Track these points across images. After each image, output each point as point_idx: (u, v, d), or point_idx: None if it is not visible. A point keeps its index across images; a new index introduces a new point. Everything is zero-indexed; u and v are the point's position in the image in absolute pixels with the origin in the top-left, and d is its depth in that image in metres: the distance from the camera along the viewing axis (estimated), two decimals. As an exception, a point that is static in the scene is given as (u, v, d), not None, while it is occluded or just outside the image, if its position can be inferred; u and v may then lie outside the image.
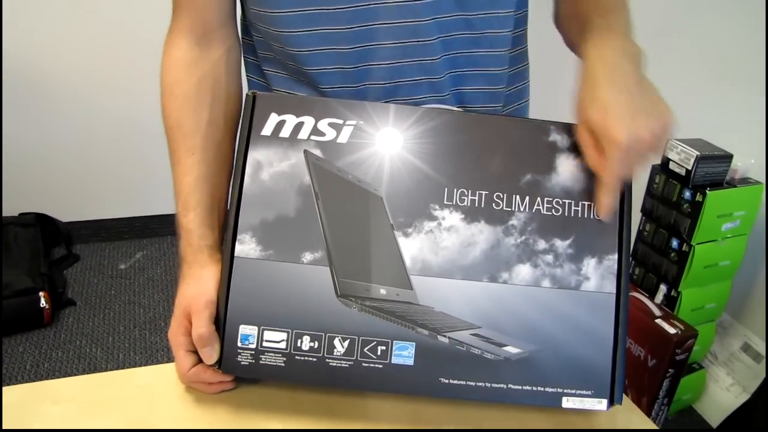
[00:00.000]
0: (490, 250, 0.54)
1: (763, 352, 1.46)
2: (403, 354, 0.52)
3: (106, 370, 1.63)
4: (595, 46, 0.56)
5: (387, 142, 0.55)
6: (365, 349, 0.52)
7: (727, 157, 1.34)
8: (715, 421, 1.51)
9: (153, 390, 0.57)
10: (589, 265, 0.54)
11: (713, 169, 1.34)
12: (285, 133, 0.55)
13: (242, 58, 0.68)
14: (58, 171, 2.06)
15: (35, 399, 0.56)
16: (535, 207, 0.55)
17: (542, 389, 0.53)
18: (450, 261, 0.53)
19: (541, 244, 0.54)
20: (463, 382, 0.52)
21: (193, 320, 0.54)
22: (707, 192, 1.32)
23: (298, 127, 0.55)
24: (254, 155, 0.55)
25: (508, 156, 0.55)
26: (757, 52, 1.38)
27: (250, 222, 0.54)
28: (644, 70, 0.55)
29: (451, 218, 0.54)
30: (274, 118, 0.55)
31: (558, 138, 0.56)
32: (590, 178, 0.55)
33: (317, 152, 0.55)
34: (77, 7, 1.86)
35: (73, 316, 1.83)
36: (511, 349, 0.52)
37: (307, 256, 0.53)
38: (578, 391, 0.53)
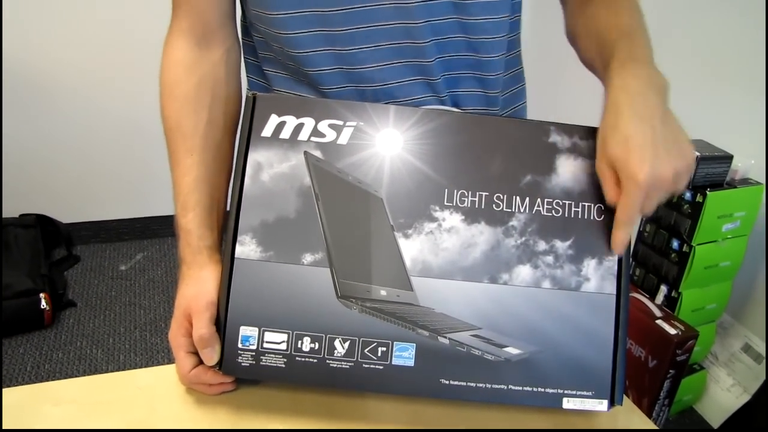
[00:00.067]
0: (490, 251, 0.54)
1: (764, 353, 1.46)
2: (404, 355, 0.52)
3: (106, 371, 1.63)
4: (618, 75, 0.54)
5: (387, 144, 0.55)
6: (366, 351, 0.52)
7: (728, 158, 1.34)
8: (716, 422, 1.51)
9: (154, 391, 0.57)
10: (590, 266, 0.54)
11: (713, 170, 1.34)
12: (285, 134, 0.55)
13: (242, 58, 0.68)
14: (58, 172, 2.06)
15: (36, 400, 0.56)
16: (536, 208, 0.55)
17: (543, 390, 0.53)
18: (450, 262, 0.53)
19: (542, 245, 0.54)
20: (464, 383, 0.52)
21: (194, 321, 0.54)
22: (707, 193, 1.32)
23: (299, 128, 0.55)
24: (254, 156, 0.55)
25: (509, 157, 0.55)
26: (757, 52, 1.38)
27: (250, 223, 0.54)
28: (669, 101, 0.53)
29: (452, 219, 0.54)
30: (274, 120, 0.55)
31: (558, 139, 0.56)
32: (590, 179, 0.55)
33: (317, 153, 0.55)
34: (77, 7, 1.86)
35: (74, 318, 1.83)
36: (512, 350, 0.52)
37: (308, 258, 0.53)
38: (579, 392, 0.53)
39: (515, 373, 0.52)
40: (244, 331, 0.53)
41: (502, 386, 0.52)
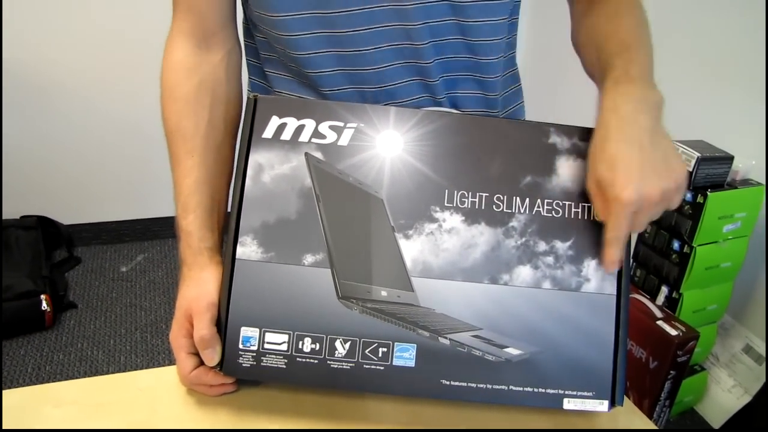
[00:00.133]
0: (490, 252, 0.54)
1: (765, 354, 1.46)
2: (405, 356, 0.53)
3: (107, 372, 1.63)
4: (610, 95, 0.53)
5: (388, 145, 0.55)
6: (366, 351, 0.52)
7: (728, 159, 1.34)
8: (717, 422, 1.51)
9: (154, 393, 0.57)
10: (590, 266, 0.54)
11: (714, 171, 1.34)
12: (286, 135, 0.55)
13: (244, 60, 0.68)
14: (59, 174, 2.06)
15: (37, 402, 0.56)
16: (536, 209, 0.55)
17: (543, 391, 0.53)
18: (451, 263, 0.53)
19: (542, 246, 0.54)
20: (465, 384, 0.52)
21: (195, 322, 0.54)
22: (708, 193, 1.32)
23: (299, 129, 0.55)
24: (255, 158, 0.55)
25: (509, 158, 0.55)
26: (757, 53, 1.38)
27: (251, 224, 0.54)
28: (662, 120, 0.53)
29: (452, 220, 0.54)
30: (275, 121, 0.55)
31: (558, 140, 0.56)
32: (591, 179, 0.55)
33: (318, 155, 0.55)
34: (78, 8, 1.86)
35: (75, 319, 1.83)
36: (512, 351, 0.53)
37: (308, 259, 0.53)
38: (579, 393, 0.53)
39: (516, 373, 0.52)
40: (245, 331, 0.53)
41: (503, 387, 0.52)
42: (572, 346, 0.53)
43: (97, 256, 2.14)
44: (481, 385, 0.52)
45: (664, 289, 1.47)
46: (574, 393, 0.53)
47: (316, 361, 0.52)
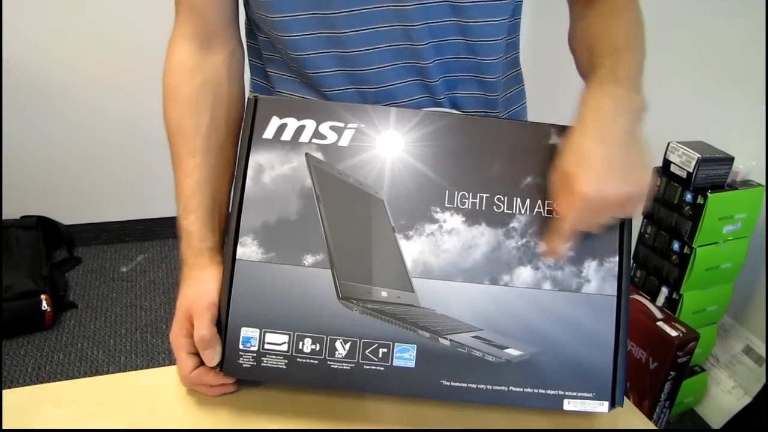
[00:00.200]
0: (491, 253, 0.54)
1: (765, 355, 1.46)
2: (405, 356, 0.53)
3: (107, 372, 1.62)
4: (593, 94, 0.54)
5: (388, 145, 0.55)
6: (367, 352, 0.53)
7: (729, 160, 1.34)
8: (717, 424, 1.51)
9: (155, 393, 0.57)
10: (590, 267, 0.54)
11: (714, 172, 1.34)
12: (287, 136, 0.55)
13: (247, 61, 0.68)
14: (59, 174, 2.07)
15: (37, 401, 0.56)
16: (536, 210, 0.55)
17: (543, 391, 0.53)
18: (451, 263, 0.54)
19: (542, 247, 0.54)
20: (465, 385, 0.52)
21: (195, 322, 0.54)
22: (708, 194, 1.32)
23: (300, 130, 0.55)
24: (256, 158, 0.55)
25: (509, 159, 0.55)
26: (758, 54, 1.38)
27: (251, 225, 0.54)
28: (641, 125, 0.53)
29: (452, 221, 0.54)
30: (275, 122, 0.55)
31: (558, 141, 0.56)
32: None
33: (319, 155, 0.55)
34: (78, 9, 1.86)
35: (75, 319, 1.83)
36: (513, 352, 0.53)
37: (309, 259, 0.53)
38: (579, 394, 0.53)
39: (516, 374, 0.52)
40: (245, 332, 0.53)
41: (503, 387, 0.52)
42: (572, 346, 0.53)
43: (98, 256, 2.14)
44: (482, 386, 0.52)
45: (664, 290, 1.47)
46: (574, 394, 0.53)
47: (316, 362, 0.52)
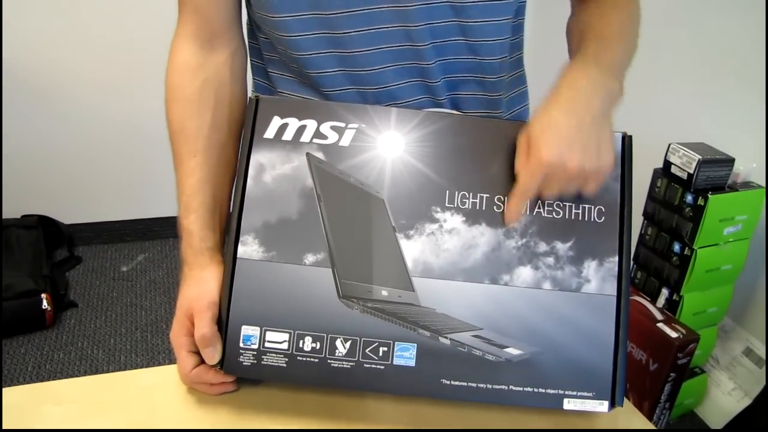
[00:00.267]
0: (491, 253, 0.54)
1: (765, 357, 1.46)
2: (405, 355, 0.53)
3: (107, 372, 1.63)
4: (572, 71, 0.56)
5: (389, 145, 0.55)
6: (367, 350, 0.53)
7: (729, 161, 1.34)
8: (716, 425, 1.51)
9: (155, 391, 0.57)
10: (590, 267, 0.54)
11: (715, 173, 1.34)
12: (288, 136, 0.55)
13: (248, 61, 0.69)
14: (60, 173, 2.07)
15: (37, 400, 0.56)
16: (536, 210, 0.55)
17: (543, 391, 0.53)
18: (451, 263, 0.54)
19: (542, 247, 0.54)
20: (465, 384, 0.52)
21: (196, 321, 0.54)
22: (709, 196, 1.32)
23: (301, 130, 0.55)
24: (257, 158, 0.55)
25: (509, 159, 0.56)
26: (759, 55, 1.38)
27: (252, 224, 0.54)
28: (613, 112, 0.54)
29: (453, 221, 0.54)
30: (276, 122, 0.55)
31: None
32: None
33: (319, 155, 0.55)
34: (78, 9, 1.86)
35: (75, 318, 1.83)
36: (513, 351, 0.53)
37: (310, 258, 0.53)
38: (579, 393, 0.53)
39: (516, 373, 0.52)
40: (246, 330, 0.53)
41: (503, 387, 0.52)
42: (572, 346, 0.53)
43: (98, 255, 2.14)
44: (482, 385, 0.52)
45: (665, 292, 1.47)
46: (574, 393, 0.53)
47: (316, 360, 0.52)
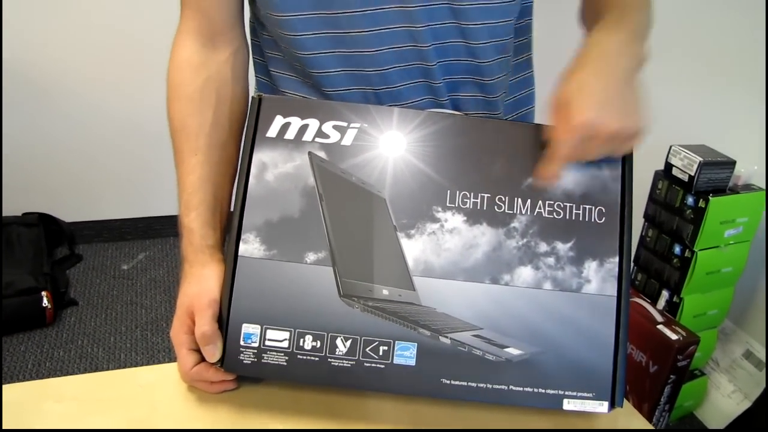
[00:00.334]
0: (492, 252, 0.54)
1: (765, 360, 1.46)
2: (405, 354, 0.53)
3: (107, 370, 1.63)
4: (597, 33, 0.56)
5: (390, 145, 0.55)
6: (367, 349, 0.53)
7: (730, 164, 1.35)
8: (716, 428, 1.51)
9: (155, 389, 0.57)
10: (590, 268, 0.54)
11: (716, 176, 1.34)
12: (290, 135, 0.55)
13: (252, 59, 0.69)
14: (61, 171, 2.07)
15: (37, 397, 0.56)
16: (537, 210, 0.55)
17: (543, 391, 0.53)
18: (452, 262, 0.54)
19: (543, 247, 0.54)
20: (465, 383, 0.52)
21: (196, 319, 0.54)
22: (710, 198, 1.32)
23: (303, 129, 0.55)
24: (259, 156, 0.55)
25: (510, 159, 0.56)
26: (760, 57, 1.38)
27: (254, 222, 0.54)
28: (640, 74, 0.54)
29: (454, 220, 0.54)
30: (279, 120, 0.56)
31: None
32: (592, 181, 0.56)
33: (321, 154, 0.55)
34: (79, 7, 1.87)
35: (75, 316, 1.83)
36: (513, 351, 0.53)
37: (311, 257, 0.53)
38: (579, 394, 0.53)
39: (516, 373, 0.52)
40: (247, 328, 0.53)
41: (503, 387, 0.52)
42: (572, 346, 0.53)
43: (99, 253, 2.14)
44: (482, 385, 0.52)
45: (665, 294, 1.47)
46: (574, 394, 0.53)
47: (316, 359, 0.53)
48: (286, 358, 0.53)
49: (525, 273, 0.54)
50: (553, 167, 0.53)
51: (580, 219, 0.55)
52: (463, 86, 0.66)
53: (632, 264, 1.54)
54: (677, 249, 1.41)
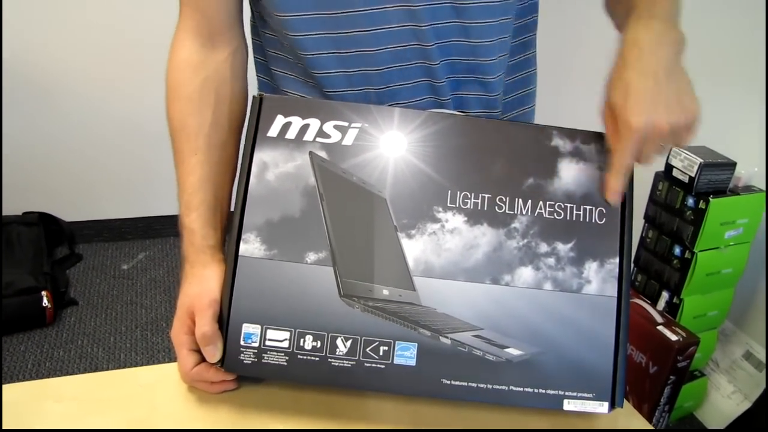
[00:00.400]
0: (492, 253, 0.54)
1: (765, 360, 1.46)
2: (405, 354, 0.53)
3: (107, 370, 1.63)
4: (632, 29, 0.55)
5: (391, 145, 0.55)
6: (367, 349, 0.53)
7: (731, 165, 1.35)
8: (716, 428, 1.51)
9: (155, 389, 0.57)
10: (591, 268, 0.54)
11: (716, 177, 1.34)
12: (291, 134, 0.55)
13: (252, 58, 0.69)
14: (61, 171, 2.07)
15: (37, 397, 0.56)
16: (537, 210, 0.55)
17: (544, 391, 0.53)
18: (453, 263, 0.54)
19: (543, 247, 0.54)
20: (465, 384, 0.52)
21: (197, 319, 0.54)
22: (710, 199, 1.32)
23: (304, 129, 0.55)
24: (260, 156, 0.55)
25: (511, 160, 0.56)
26: (761, 58, 1.38)
27: (254, 222, 0.54)
28: (682, 57, 0.54)
29: (454, 220, 0.54)
30: (280, 120, 0.56)
31: (560, 143, 0.56)
32: (592, 182, 0.56)
33: (322, 154, 0.55)
34: (79, 7, 1.87)
35: (75, 316, 1.83)
36: (513, 351, 0.53)
37: (311, 256, 0.53)
38: (580, 394, 0.53)
39: (516, 374, 0.52)
40: (247, 328, 0.53)
41: (503, 387, 0.52)
42: (573, 347, 0.53)
43: (99, 253, 2.14)
44: (482, 385, 0.52)
45: (665, 295, 1.47)
46: (574, 394, 0.53)
47: (317, 359, 0.53)
48: (287, 358, 0.53)
49: (525, 273, 0.54)
50: (620, 179, 0.53)
51: (581, 220, 0.55)
52: (466, 85, 0.66)
53: (632, 265, 1.54)
54: (677, 250, 1.41)
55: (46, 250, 1.94)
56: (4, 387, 0.56)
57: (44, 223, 2.04)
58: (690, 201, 1.36)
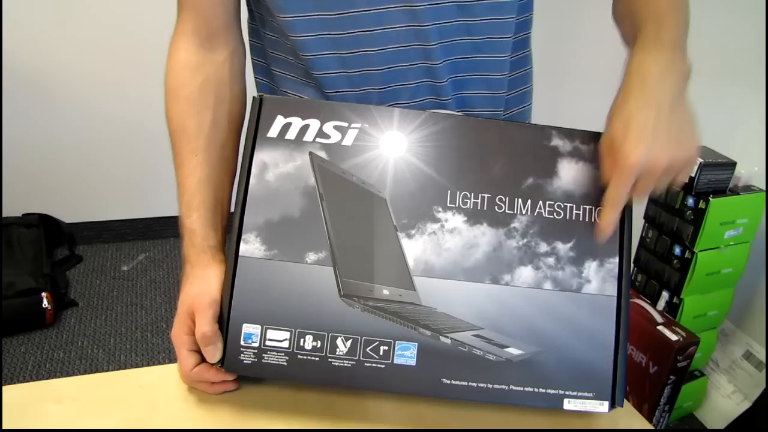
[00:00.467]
0: (492, 252, 0.54)
1: (765, 360, 1.46)
2: (406, 354, 0.53)
3: (107, 371, 1.63)
4: (637, 58, 0.54)
5: (391, 145, 0.55)
6: (368, 349, 0.53)
7: (731, 165, 1.35)
8: (716, 428, 1.51)
9: (155, 390, 0.57)
10: (591, 268, 0.54)
11: (716, 177, 1.34)
12: (291, 135, 0.55)
13: (250, 60, 0.69)
14: (61, 172, 2.07)
15: (37, 398, 0.56)
16: (537, 210, 0.55)
17: (544, 391, 0.53)
18: (452, 262, 0.54)
19: (543, 247, 0.54)
20: (465, 383, 0.52)
21: (197, 319, 0.54)
22: (710, 199, 1.32)
23: (304, 129, 0.56)
24: (260, 156, 0.55)
25: (511, 160, 0.56)
26: (761, 58, 1.38)
27: (255, 222, 0.54)
28: (687, 89, 0.53)
29: (454, 220, 0.54)
30: (280, 121, 0.56)
31: (560, 143, 0.56)
32: (592, 182, 0.56)
33: (322, 154, 0.55)
34: (79, 8, 1.87)
35: (75, 317, 1.83)
36: (513, 351, 0.53)
37: (311, 257, 0.53)
38: (580, 393, 0.53)
39: (516, 373, 0.52)
40: (247, 328, 0.53)
41: (504, 386, 0.52)
42: (573, 346, 0.53)
43: (99, 254, 2.14)
44: (482, 385, 0.52)
45: (665, 294, 1.47)
46: (575, 393, 0.53)
47: (317, 359, 0.53)
48: (287, 358, 0.53)
49: (525, 273, 0.54)
50: (612, 214, 0.52)
51: (581, 219, 0.55)
52: (470, 83, 0.65)
53: (632, 265, 1.54)
54: (677, 250, 1.41)
55: (46, 251, 1.94)
56: (5, 388, 0.56)
57: (44, 224, 2.04)
58: (690, 201, 1.36)
